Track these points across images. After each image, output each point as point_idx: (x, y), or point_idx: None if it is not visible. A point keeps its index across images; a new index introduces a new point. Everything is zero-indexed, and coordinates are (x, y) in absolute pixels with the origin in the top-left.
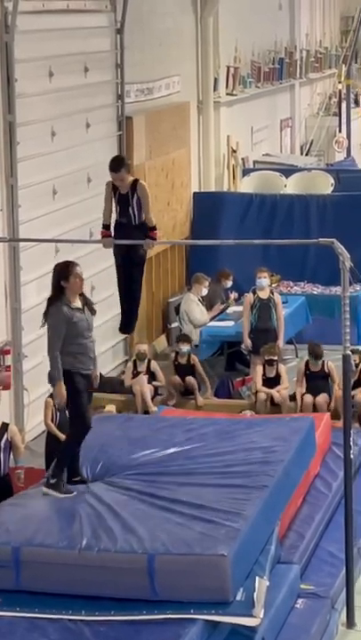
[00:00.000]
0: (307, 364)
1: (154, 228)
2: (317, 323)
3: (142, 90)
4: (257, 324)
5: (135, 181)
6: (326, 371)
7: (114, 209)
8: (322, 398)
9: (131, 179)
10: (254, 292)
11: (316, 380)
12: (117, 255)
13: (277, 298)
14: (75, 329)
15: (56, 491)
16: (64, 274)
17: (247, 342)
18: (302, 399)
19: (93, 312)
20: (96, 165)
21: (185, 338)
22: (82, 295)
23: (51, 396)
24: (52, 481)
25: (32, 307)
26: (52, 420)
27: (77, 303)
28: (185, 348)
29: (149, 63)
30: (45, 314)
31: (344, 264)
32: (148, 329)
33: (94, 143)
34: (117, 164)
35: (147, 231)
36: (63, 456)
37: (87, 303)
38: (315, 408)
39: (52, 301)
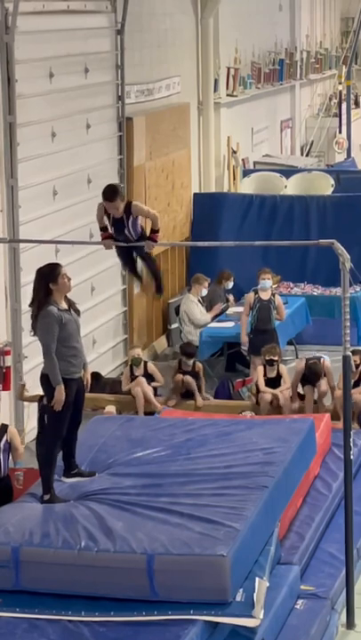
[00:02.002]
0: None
1: (156, 231)
2: (317, 323)
3: (142, 91)
4: (256, 325)
5: (128, 204)
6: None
7: (108, 225)
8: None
9: (122, 205)
10: (256, 292)
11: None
12: (122, 262)
13: (278, 300)
14: (65, 331)
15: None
16: (52, 276)
17: (244, 339)
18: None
19: (78, 313)
20: (96, 166)
21: (189, 352)
22: (65, 297)
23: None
24: (46, 497)
25: None
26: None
27: (64, 305)
28: (190, 362)
29: (149, 64)
30: (34, 319)
31: (344, 265)
32: (148, 330)
33: (94, 144)
34: (112, 194)
35: (146, 239)
36: (43, 467)
37: (71, 304)
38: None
39: (39, 305)
